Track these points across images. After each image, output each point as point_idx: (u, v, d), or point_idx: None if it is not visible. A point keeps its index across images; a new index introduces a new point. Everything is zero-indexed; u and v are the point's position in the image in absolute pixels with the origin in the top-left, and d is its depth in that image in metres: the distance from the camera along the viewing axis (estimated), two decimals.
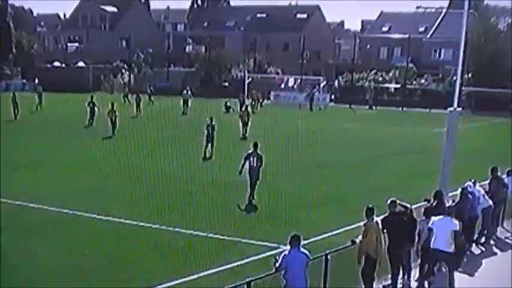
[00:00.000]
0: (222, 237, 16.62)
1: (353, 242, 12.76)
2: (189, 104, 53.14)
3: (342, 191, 23.06)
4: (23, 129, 38.58)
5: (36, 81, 55.50)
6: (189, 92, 54.88)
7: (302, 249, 11.38)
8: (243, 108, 39.68)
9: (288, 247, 11.35)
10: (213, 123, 30.53)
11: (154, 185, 22.89)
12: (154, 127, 40.37)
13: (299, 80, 71.44)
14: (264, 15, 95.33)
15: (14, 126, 40.73)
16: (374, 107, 63.21)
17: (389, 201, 13.53)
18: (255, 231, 17.17)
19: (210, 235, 16.72)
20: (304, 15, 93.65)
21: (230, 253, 15.35)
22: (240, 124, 37.01)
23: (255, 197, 20.83)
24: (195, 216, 18.58)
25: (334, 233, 16.91)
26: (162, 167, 26.36)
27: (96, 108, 41.52)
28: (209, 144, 30.18)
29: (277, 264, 11.18)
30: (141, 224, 17.74)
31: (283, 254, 11.28)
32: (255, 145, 21.11)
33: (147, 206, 19.93)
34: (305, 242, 14.56)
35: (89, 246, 15.77)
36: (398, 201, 13.63)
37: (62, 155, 29.53)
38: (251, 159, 20.89)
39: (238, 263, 14.58)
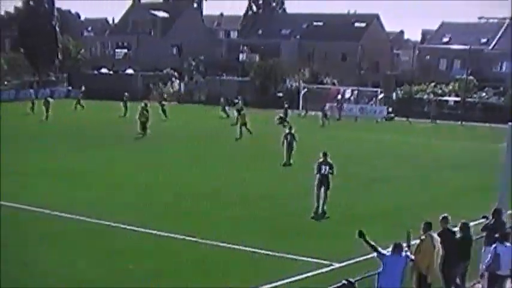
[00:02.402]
0: (266, 252, 15.98)
1: None
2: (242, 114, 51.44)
3: (398, 205, 22.45)
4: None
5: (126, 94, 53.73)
6: (240, 102, 51.71)
7: (404, 253, 11.73)
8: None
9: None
10: (292, 131, 30.67)
11: (194, 198, 22.35)
12: (193, 138, 39.93)
13: (356, 92, 70.37)
14: (321, 23, 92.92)
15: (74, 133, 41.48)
16: (435, 121, 61.16)
17: (441, 217, 13.25)
18: (304, 247, 16.47)
19: (253, 250, 16.11)
20: (363, 24, 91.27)
21: (276, 269, 14.74)
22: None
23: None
24: (237, 230, 18.14)
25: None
26: (203, 180, 25.98)
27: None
28: (288, 153, 30.20)
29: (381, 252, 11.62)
30: (181, 237, 17.26)
31: (385, 252, 11.65)
32: (325, 154, 21.15)
33: (187, 219, 19.48)
34: (360, 258, 14.30)
35: (128, 259, 15.41)
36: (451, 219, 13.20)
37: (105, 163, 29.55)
38: (323, 167, 20.85)
39: (285, 281, 13.89)
